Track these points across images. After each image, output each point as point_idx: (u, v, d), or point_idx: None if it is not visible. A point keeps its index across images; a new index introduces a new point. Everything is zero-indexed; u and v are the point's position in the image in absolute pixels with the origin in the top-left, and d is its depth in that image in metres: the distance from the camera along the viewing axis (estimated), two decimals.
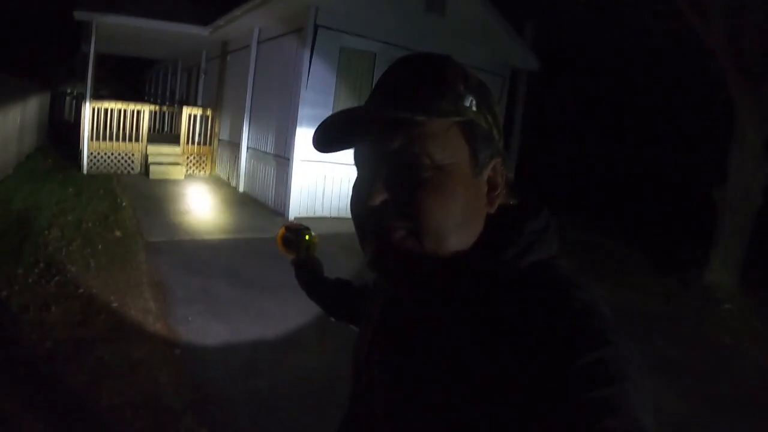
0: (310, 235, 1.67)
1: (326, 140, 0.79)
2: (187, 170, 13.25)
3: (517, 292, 0.71)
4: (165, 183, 11.91)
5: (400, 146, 0.73)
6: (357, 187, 0.80)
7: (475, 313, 0.72)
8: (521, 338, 0.66)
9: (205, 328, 4.82)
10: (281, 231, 1.71)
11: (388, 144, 0.74)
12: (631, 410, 0.59)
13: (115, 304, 5.04)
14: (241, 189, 11.97)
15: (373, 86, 0.82)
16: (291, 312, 5.09)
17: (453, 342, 0.73)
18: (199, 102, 15.16)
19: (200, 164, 13.70)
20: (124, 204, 9.25)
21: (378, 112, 0.74)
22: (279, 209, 9.96)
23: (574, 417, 0.58)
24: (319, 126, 0.79)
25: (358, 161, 0.81)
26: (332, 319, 1.57)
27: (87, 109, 11.96)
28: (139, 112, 12.72)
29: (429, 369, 0.74)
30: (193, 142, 13.47)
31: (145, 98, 23.33)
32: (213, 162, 13.83)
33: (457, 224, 0.74)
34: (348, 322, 1.47)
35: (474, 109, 0.76)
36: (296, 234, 1.67)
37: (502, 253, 0.75)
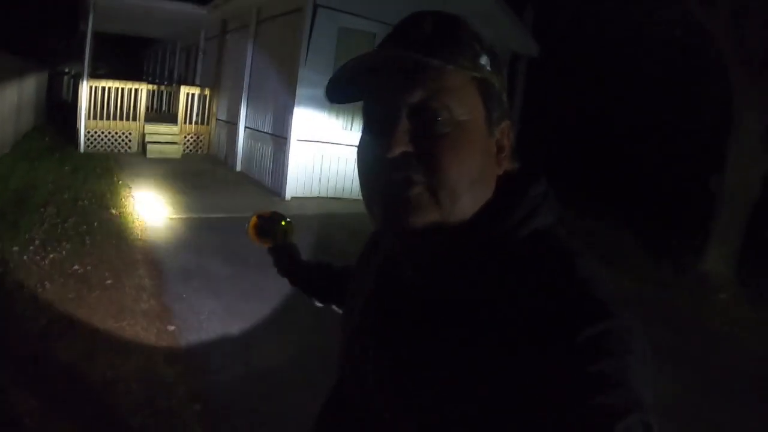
0: (285, 221, 1.60)
1: (340, 87, 0.79)
2: (184, 149, 13.25)
3: (521, 260, 0.71)
4: (162, 162, 11.89)
5: (421, 99, 0.71)
6: (372, 139, 0.76)
7: (476, 281, 0.72)
8: (522, 308, 0.65)
9: (200, 305, 4.83)
10: (253, 220, 1.62)
11: (409, 95, 0.72)
12: (632, 384, 0.59)
13: (109, 281, 5.04)
14: (238, 168, 11.98)
15: (386, 37, 0.80)
16: (285, 289, 5.08)
17: (452, 309, 0.72)
18: (197, 81, 15.08)
19: (197, 143, 13.72)
20: (120, 182, 9.25)
21: (409, 56, 0.71)
22: (276, 189, 9.97)
23: (574, 390, 0.58)
24: (335, 73, 0.77)
25: (372, 113, 0.78)
26: (318, 303, 1.54)
27: (84, 88, 11.94)
28: (136, 91, 12.70)
29: (426, 338, 0.74)
30: (190, 122, 13.49)
31: (143, 77, 23.22)
32: (210, 141, 13.83)
33: (472, 181, 0.73)
34: (333, 305, 1.46)
35: (489, 68, 0.76)
36: (271, 221, 1.60)
37: (507, 218, 0.74)
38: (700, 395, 4.51)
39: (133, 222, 7.06)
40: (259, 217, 1.60)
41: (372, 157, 0.76)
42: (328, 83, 0.78)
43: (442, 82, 0.71)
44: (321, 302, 1.52)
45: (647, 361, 0.63)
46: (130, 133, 12.60)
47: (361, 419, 0.85)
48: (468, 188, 0.73)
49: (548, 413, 0.58)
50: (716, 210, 8.31)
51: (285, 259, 1.59)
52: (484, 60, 0.75)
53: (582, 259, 0.70)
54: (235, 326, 4.54)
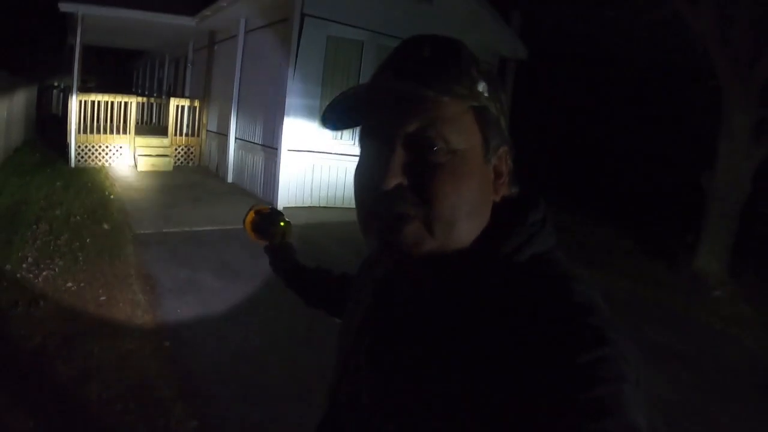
0: (284, 222, 1.60)
1: (336, 117, 0.80)
2: (175, 162, 13.22)
3: (517, 286, 0.71)
4: (153, 175, 11.89)
5: (416, 129, 0.71)
6: (366, 170, 0.77)
7: (472, 305, 0.71)
8: (519, 333, 0.65)
9: (195, 320, 4.83)
10: (249, 216, 1.62)
11: (404, 125, 0.72)
12: (627, 411, 0.58)
13: (103, 298, 5.03)
14: (229, 180, 11.98)
15: (382, 64, 0.78)
16: (281, 301, 5.09)
17: (448, 333, 0.72)
18: (187, 93, 15.09)
19: (188, 155, 13.70)
20: (112, 197, 9.23)
21: (400, 88, 0.72)
22: (268, 199, 9.95)
23: (569, 417, 0.57)
24: (331, 102, 0.78)
25: (367, 143, 0.78)
26: (311, 308, 1.52)
27: (74, 102, 11.86)
28: (126, 104, 12.64)
29: (421, 359, 0.73)
30: (181, 134, 13.48)
31: (133, 90, 23.18)
32: (201, 153, 13.81)
33: (468, 212, 0.73)
34: (327, 312, 1.45)
35: (486, 94, 0.76)
36: (269, 219, 1.61)
37: (503, 245, 0.74)
38: (693, 392, 4.53)
39: (125, 236, 7.04)
40: (257, 213, 1.62)
41: (368, 187, 0.75)
42: (324, 112, 0.79)
43: (439, 112, 0.71)
44: (314, 307, 1.51)
45: (641, 389, 0.63)
46: (120, 147, 12.55)
47: None
48: (464, 218, 0.73)
49: None
50: (707, 208, 8.36)
51: (282, 258, 1.60)
52: (481, 86, 0.75)
53: (579, 285, 0.70)
54: (231, 339, 4.54)
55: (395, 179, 0.71)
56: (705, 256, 8.26)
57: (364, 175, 0.77)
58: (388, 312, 0.85)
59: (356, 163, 0.81)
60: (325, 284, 1.49)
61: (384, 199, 0.72)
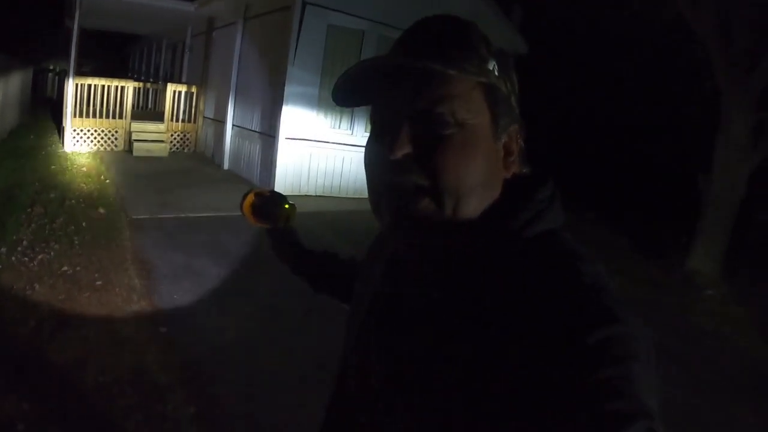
0: (288, 204, 1.51)
1: (347, 92, 0.80)
2: (171, 147, 13.15)
3: (526, 262, 0.71)
4: (149, 160, 11.81)
5: (425, 104, 0.72)
6: (376, 143, 0.78)
7: (481, 282, 0.72)
8: (528, 312, 0.65)
9: (191, 306, 4.82)
10: (249, 199, 1.51)
11: (413, 101, 0.73)
12: (637, 392, 0.58)
13: (99, 282, 5.00)
14: (225, 167, 11.91)
15: (396, 42, 0.80)
16: (278, 287, 5.07)
17: (456, 311, 0.72)
18: (184, 79, 14.98)
19: (184, 141, 13.64)
20: (107, 181, 9.19)
21: (410, 63, 0.72)
22: (264, 186, 9.83)
23: (579, 397, 0.57)
24: (341, 76, 0.77)
25: (377, 117, 0.79)
26: (321, 293, 1.47)
27: (70, 86, 11.77)
28: (123, 89, 12.54)
29: (429, 337, 0.73)
30: (177, 120, 13.38)
31: (129, 74, 23.03)
32: (197, 139, 13.74)
33: (475, 184, 0.74)
34: (336, 297, 1.42)
35: (496, 73, 0.77)
36: (271, 202, 1.51)
37: (512, 220, 0.75)
38: (687, 392, 4.54)
39: (121, 221, 7.01)
40: (257, 195, 1.52)
41: (377, 160, 0.77)
42: (335, 87, 0.79)
43: (447, 88, 0.72)
44: (322, 292, 1.47)
45: (652, 368, 0.63)
46: (116, 131, 12.46)
47: (366, 421, 0.84)
48: (471, 189, 0.73)
49: (551, 418, 0.57)
50: (703, 209, 8.39)
51: (286, 244, 1.54)
52: (491, 65, 0.76)
53: (588, 264, 0.70)
54: (227, 325, 4.52)
55: (403, 149, 0.72)
56: (699, 257, 8.31)
57: (373, 148, 0.79)
58: (397, 291, 0.85)
59: (367, 140, 0.83)
60: (334, 269, 1.45)
61: (393, 168, 0.73)
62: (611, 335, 0.60)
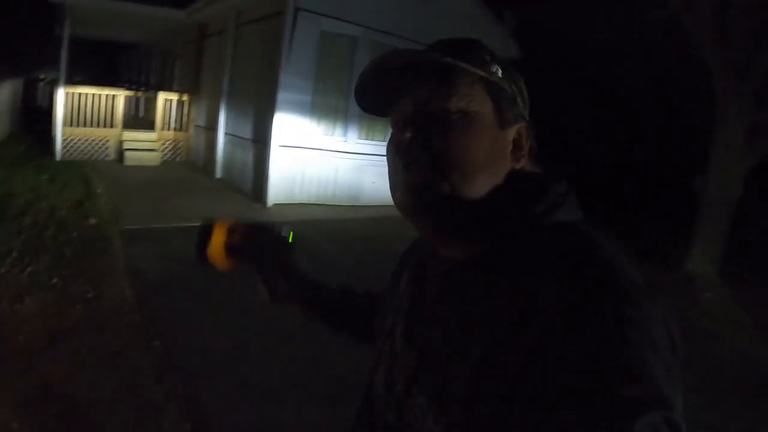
0: (289, 232, 1.20)
1: (368, 94, 0.87)
2: (162, 156, 13.09)
3: (544, 250, 0.73)
4: (140, 169, 11.74)
5: (431, 94, 0.80)
6: (393, 137, 0.86)
7: (501, 271, 0.75)
8: (546, 297, 0.66)
9: (184, 317, 4.74)
10: (218, 236, 1.15)
11: (420, 91, 0.81)
12: (653, 377, 0.57)
13: (90, 294, 4.91)
14: (217, 175, 11.85)
15: None
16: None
17: (477, 303, 0.75)
18: (175, 87, 14.96)
19: (176, 150, 13.59)
20: (98, 191, 9.09)
21: (418, 56, 0.81)
22: (257, 195, 9.86)
23: (595, 382, 0.57)
24: (358, 80, 0.85)
25: (394, 121, 0.86)
26: (339, 333, 1.29)
27: (60, 95, 11.72)
28: (113, 98, 12.53)
29: (453, 332, 0.77)
30: (168, 128, 13.35)
31: (120, 83, 22.96)
32: (189, 148, 13.70)
33: (479, 164, 0.79)
34: (355, 336, 1.27)
35: (499, 74, 0.84)
36: (265, 236, 1.20)
37: (529, 210, 0.79)
38: (687, 392, 4.48)
39: (112, 231, 6.92)
40: (232, 230, 1.18)
41: (393, 145, 0.85)
42: (355, 92, 0.87)
43: (449, 86, 0.80)
44: (337, 330, 1.31)
45: (673, 358, 0.63)
46: (107, 140, 12.41)
47: (394, 420, 0.86)
48: (475, 169, 0.79)
49: (569, 402, 0.57)
50: (700, 210, 8.41)
51: (296, 284, 1.30)
52: (494, 68, 0.83)
53: (606, 249, 0.72)
54: (220, 337, 4.45)
55: (412, 132, 0.81)
56: (697, 258, 8.33)
57: (392, 141, 0.87)
58: (423, 292, 0.90)
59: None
60: (351, 304, 1.30)
61: (405, 150, 0.81)
62: (626, 317, 0.61)
